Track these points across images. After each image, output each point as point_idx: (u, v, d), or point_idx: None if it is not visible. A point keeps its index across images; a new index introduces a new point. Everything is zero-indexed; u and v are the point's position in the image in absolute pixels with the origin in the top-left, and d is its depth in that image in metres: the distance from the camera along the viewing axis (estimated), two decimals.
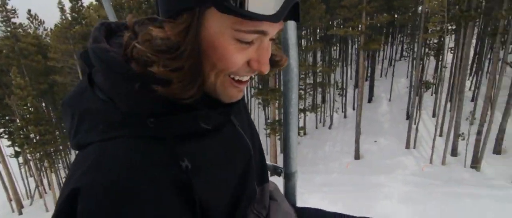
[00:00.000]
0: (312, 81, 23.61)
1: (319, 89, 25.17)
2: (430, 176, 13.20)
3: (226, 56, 0.47)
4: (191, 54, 0.46)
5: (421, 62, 20.52)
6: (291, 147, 0.98)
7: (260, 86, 20.88)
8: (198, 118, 0.52)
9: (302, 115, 21.41)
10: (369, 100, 25.78)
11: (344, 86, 25.02)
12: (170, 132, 0.49)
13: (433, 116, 19.13)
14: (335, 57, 30.02)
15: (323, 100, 25.48)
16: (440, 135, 16.80)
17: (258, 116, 22.82)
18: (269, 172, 0.88)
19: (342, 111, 24.85)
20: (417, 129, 17.73)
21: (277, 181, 0.96)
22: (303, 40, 24.76)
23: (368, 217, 0.92)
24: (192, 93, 0.48)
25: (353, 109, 23.90)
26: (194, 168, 0.50)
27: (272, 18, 0.45)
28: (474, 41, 24.50)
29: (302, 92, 21.25)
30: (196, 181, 0.49)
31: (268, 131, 17.50)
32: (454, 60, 18.64)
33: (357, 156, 16.99)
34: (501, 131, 14.75)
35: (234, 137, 0.62)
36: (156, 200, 0.43)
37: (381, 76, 30.46)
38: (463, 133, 15.82)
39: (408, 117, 18.87)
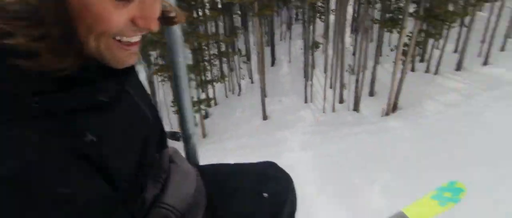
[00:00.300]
0: (216, 52, 23.54)
1: (225, 59, 25.36)
2: (324, 123, 15.24)
3: (103, 16, 0.41)
4: (57, 19, 0.38)
5: (312, 24, 22.57)
6: (186, 111, 0.99)
7: (162, 63, 19.76)
8: (94, 91, 0.46)
9: (211, 85, 21.44)
10: (272, 64, 27.41)
11: (248, 53, 25.82)
12: (63, 109, 0.42)
13: (325, 71, 21.65)
14: (237, 25, 30.32)
15: (230, 69, 25.89)
16: (330, 87, 19.29)
17: (164, 92, 21.82)
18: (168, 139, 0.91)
19: (249, 77, 25.84)
20: (312, 85, 19.92)
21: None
22: (202, 10, 24.06)
23: (266, 161, 1.01)
24: (68, 64, 0.41)
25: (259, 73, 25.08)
26: (99, 140, 0.46)
27: None
28: (352, 2, 28.08)
29: (207, 63, 21.07)
30: (105, 152, 0.47)
31: (176, 107, 17.06)
32: (336, 21, 21.11)
33: (264, 117, 18.24)
34: (373, 77, 17.85)
35: (131, 106, 0.60)
36: (62, 178, 0.39)
37: (280, 40, 32.43)
38: (345, 83, 18.57)
39: (305, 75, 20.92)
